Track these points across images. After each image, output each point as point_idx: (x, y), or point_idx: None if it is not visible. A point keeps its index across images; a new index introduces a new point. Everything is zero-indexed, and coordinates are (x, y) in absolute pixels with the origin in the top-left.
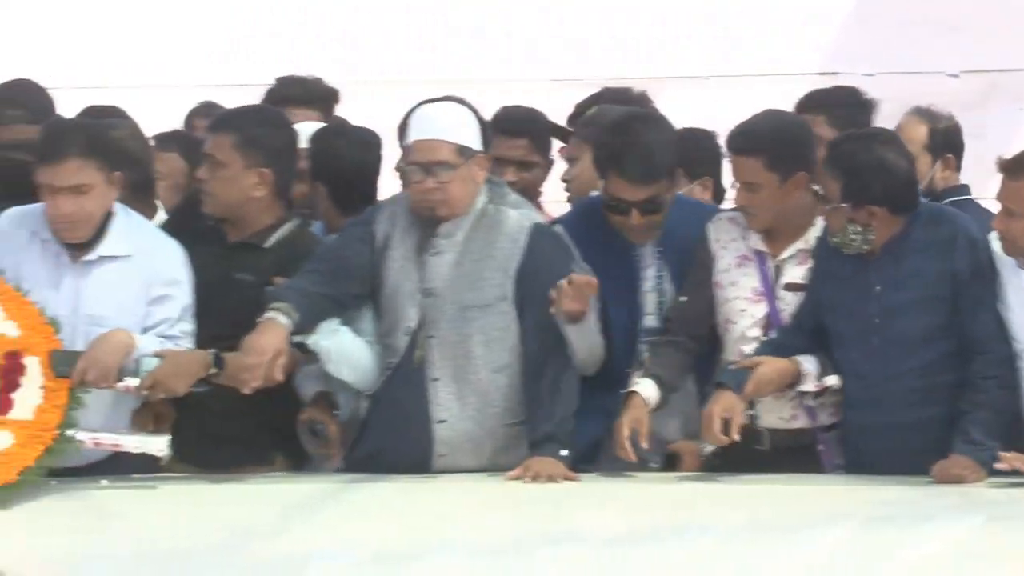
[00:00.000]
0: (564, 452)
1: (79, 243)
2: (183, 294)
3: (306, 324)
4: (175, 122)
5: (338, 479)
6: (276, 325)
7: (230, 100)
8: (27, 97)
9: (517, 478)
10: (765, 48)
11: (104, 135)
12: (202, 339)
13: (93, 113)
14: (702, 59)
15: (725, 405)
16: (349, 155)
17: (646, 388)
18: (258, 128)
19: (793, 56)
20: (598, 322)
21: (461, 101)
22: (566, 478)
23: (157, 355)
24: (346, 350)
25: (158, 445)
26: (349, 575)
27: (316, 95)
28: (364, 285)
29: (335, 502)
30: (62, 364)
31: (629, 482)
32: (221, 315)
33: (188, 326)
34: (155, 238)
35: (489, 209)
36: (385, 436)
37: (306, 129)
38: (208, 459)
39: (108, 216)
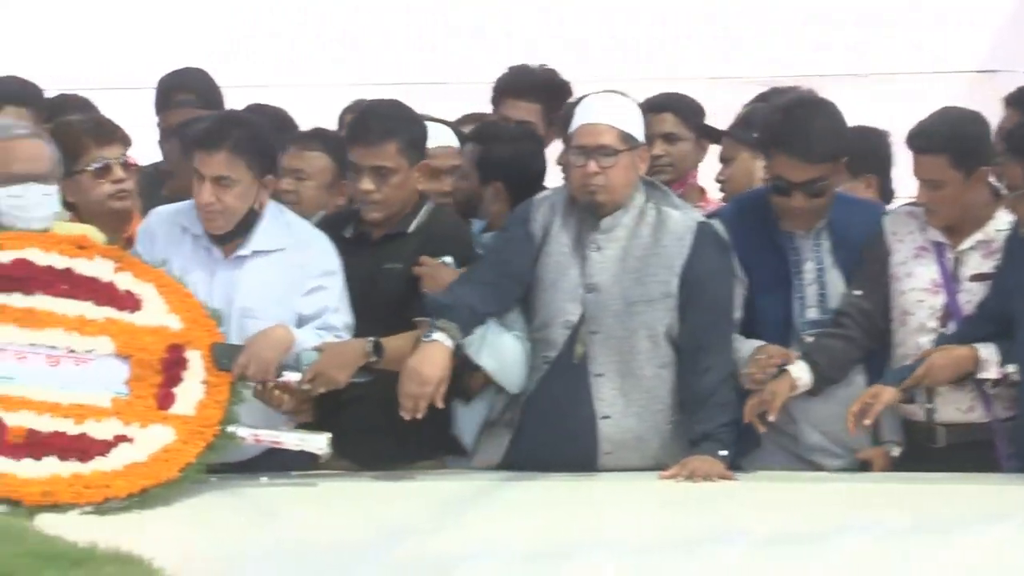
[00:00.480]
0: (723, 452)
1: (231, 238)
2: (337, 285)
3: (465, 334)
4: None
5: (492, 476)
6: (440, 349)
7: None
8: (196, 83)
9: (673, 476)
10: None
11: (263, 135)
12: (358, 334)
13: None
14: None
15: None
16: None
17: (798, 370)
18: (414, 127)
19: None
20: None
21: (624, 94)
22: (723, 477)
23: (316, 348)
24: (494, 344)
25: (318, 443)
26: (500, 574)
27: (541, 86)
28: (525, 287)
29: (488, 500)
30: (223, 358)
31: (787, 482)
32: (374, 307)
33: (346, 317)
34: (306, 232)
35: (649, 208)
36: (545, 433)
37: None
38: (369, 454)
39: (256, 212)
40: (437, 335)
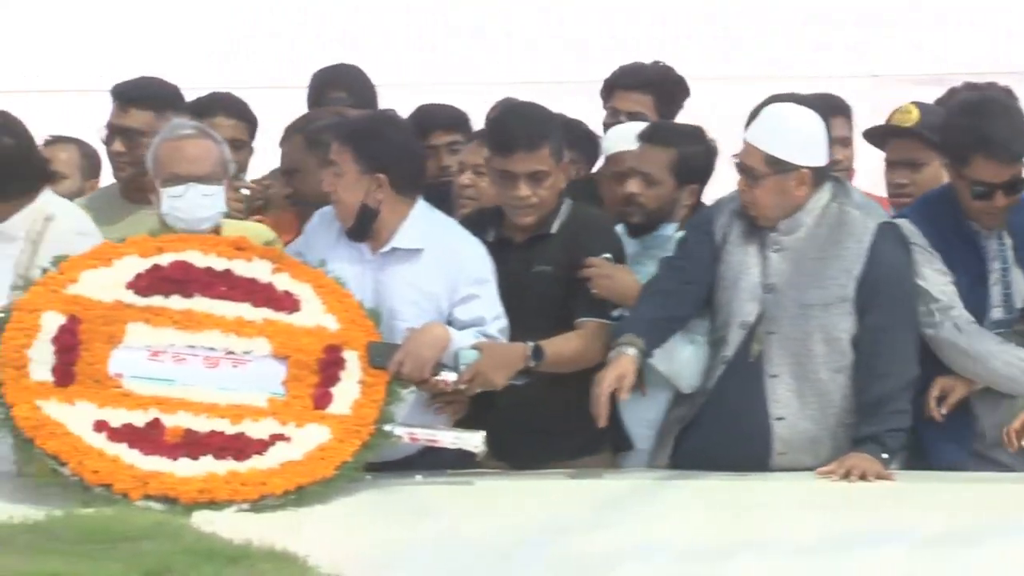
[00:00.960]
0: (885, 455)
1: (359, 237)
2: (492, 292)
3: (651, 347)
4: None
5: (651, 475)
6: (629, 360)
7: None
8: (350, 81)
9: (830, 473)
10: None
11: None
12: (511, 336)
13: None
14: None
15: None
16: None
17: None
18: (558, 127)
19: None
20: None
21: (813, 106)
22: (880, 477)
23: (475, 347)
24: (666, 345)
25: (474, 441)
26: (657, 573)
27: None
28: (707, 289)
29: (648, 498)
30: (379, 355)
31: (950, 482)
32: (525, 311)
33: (503, 322)
34: (457, 234)
35: (832, 208)
36: (718, 431)
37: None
38: (525, 454)
39: (372, 209)
40: (620, 348)
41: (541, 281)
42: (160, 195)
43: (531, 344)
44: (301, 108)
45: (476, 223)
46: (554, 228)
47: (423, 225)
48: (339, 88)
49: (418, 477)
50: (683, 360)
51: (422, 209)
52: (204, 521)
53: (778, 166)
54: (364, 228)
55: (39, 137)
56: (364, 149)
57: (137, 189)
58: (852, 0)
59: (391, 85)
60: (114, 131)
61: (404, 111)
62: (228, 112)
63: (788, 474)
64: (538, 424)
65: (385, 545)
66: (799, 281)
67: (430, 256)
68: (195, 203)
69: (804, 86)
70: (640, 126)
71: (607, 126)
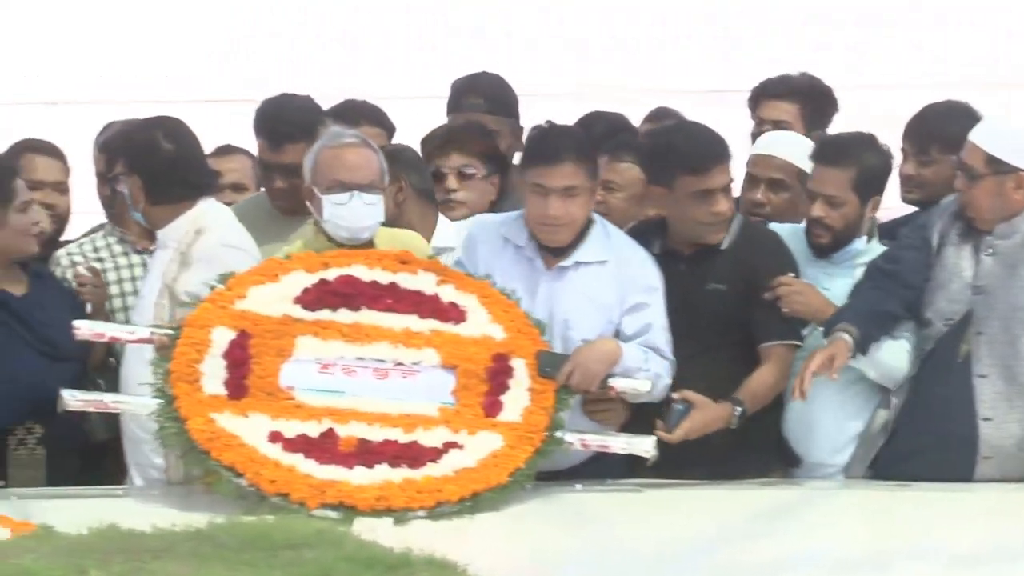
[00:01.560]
0: None
1: (554, 249)
2: (659, 301)
3: (867, 340)
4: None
5: (810, 486)
6: (840, 340)
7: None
8: (489, 87)
9: None
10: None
11: (590, 144)
12: (676, 353)
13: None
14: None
15: None
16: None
17: None
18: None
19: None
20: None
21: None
22: None
23: (686, 400)
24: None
25: (645, 446)
26: None
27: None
28: (918, 293)
29: (808, 509)
30: (548, 365)
31: None
32: (695, 328)
33: (667, 334)
34: (629, 246)
35: None
36: (922, 433)
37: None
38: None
39: (588, 223)
40: (843, 335)
41: (714, 299)
42: (321, 202)
43: (740, 409)
44: None
45: (641, 234)
46: (724, 244)
47: (603, 238)
48: (476, 95)
49: (577, 486)
50: (888, 362)
51: (598, 220)
52: (365, 529)
53: (998, 166)
54: (573, 243)
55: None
56: (593, 161)
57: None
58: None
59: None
60: (270, 167)
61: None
62: (370, 120)
63: (945, 484)
64: (709, 448)
65: (546, 554)
66: (1010, 284)
67: (604, 267)
68: (358, 212)
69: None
70: (795, 137)
71: (754, 136)
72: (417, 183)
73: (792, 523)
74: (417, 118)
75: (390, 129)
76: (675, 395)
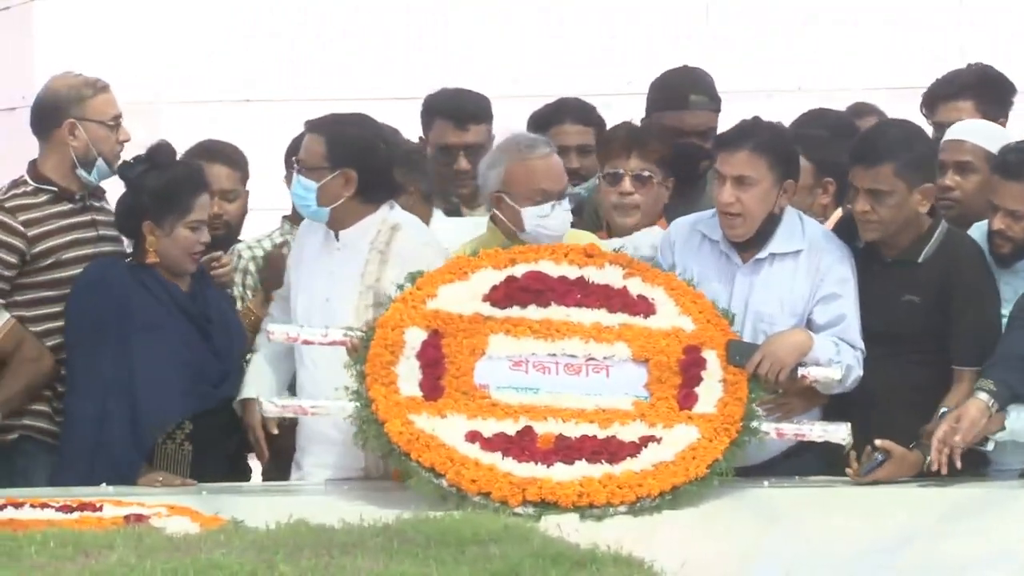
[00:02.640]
0: None
1: (752, 245)
2: (852, 293)
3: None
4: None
5: (999, 485)
6: (975, 401)
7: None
8: (708, 85)
9: None
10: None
11: (786, 140)
12: (871, 358)
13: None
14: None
15: None
16: None
17: None
18: (917, 147)
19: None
20: None
21: None
22: None
23: (885, 450)
24: None
25: (841, 434)
26: None
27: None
28: None
29: (996, 508)
30: (737, 354)
31: None
32: (893, 337)
33: (859, 325)
34: (825, 236)
35: None
36: None
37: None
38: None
39: (776, 216)
40: (980, 394)
41: (909, 310)
42: (520, 214)
43: (928, 460)
44: None
45: (846, 229)
46: (922, 256)
47: (797, 228)
48: (699, 92)
49: (764, 483)
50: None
51: (790, 212)
52: (551, 525)
53: None
54: (763, 237)
55: None
56: (781, 156)
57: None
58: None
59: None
60: (454, 149)
61: None
62: (575, 118)
63: None
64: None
65: (733, 551)
66: None
67: (798, 258)
68: (561, 219)
69: None
70: (989, 124)
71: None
72: (425, 188)
73: (981, 522)
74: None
75: (599, 125)
76: (878, 442)
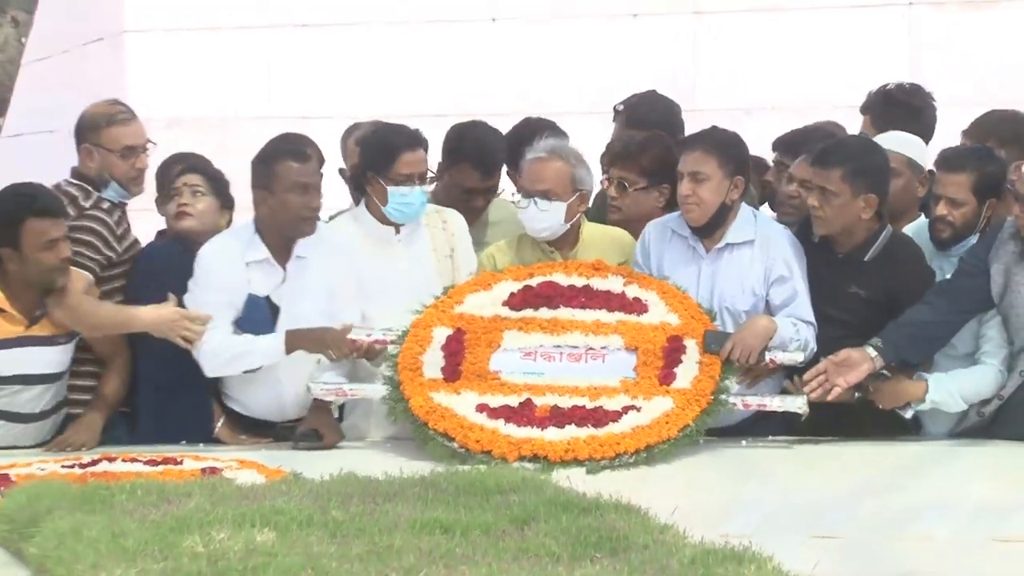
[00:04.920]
0: None
1: (708, 236)
2: (799, 273)
3: (894, 351)
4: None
5: (945, 443)
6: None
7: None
8: (660, 107)
9: None
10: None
11: (735, 142)
12: (822, 336)
13: None
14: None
15: None
16: None
17: None
18: (866, 160)
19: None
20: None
21: None
22: None
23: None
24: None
25: (798, 403)
26: (953, 525)
27: None
28: (968, 316)
29: (943, 463)
30: (712, 343)
31: None
32: (836, 320)
33: (808, 301)
34: (772, 226)
35: None
36: (1008, 434)
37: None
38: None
39: (728, 207)
40: (866, 347)
41: (854, 301)
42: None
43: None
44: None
45: (807, 226)
46: (868, 255)
47: (749, 221)
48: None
49: (743, 442)
50: (972, 381)
51: (745, 209)
52: (562, 478)
53: None
54: (715, 225)
55: None
56: (731, 156)
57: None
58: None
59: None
60: (477, 192)
61: None
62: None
63: None
64: (847, 414)
65: (716, 500)
66: None
67: (754, 246)
68: (533, 215)
69: None
70: (904, 135)
71: None
72: None
73: (929, 475)
74: None
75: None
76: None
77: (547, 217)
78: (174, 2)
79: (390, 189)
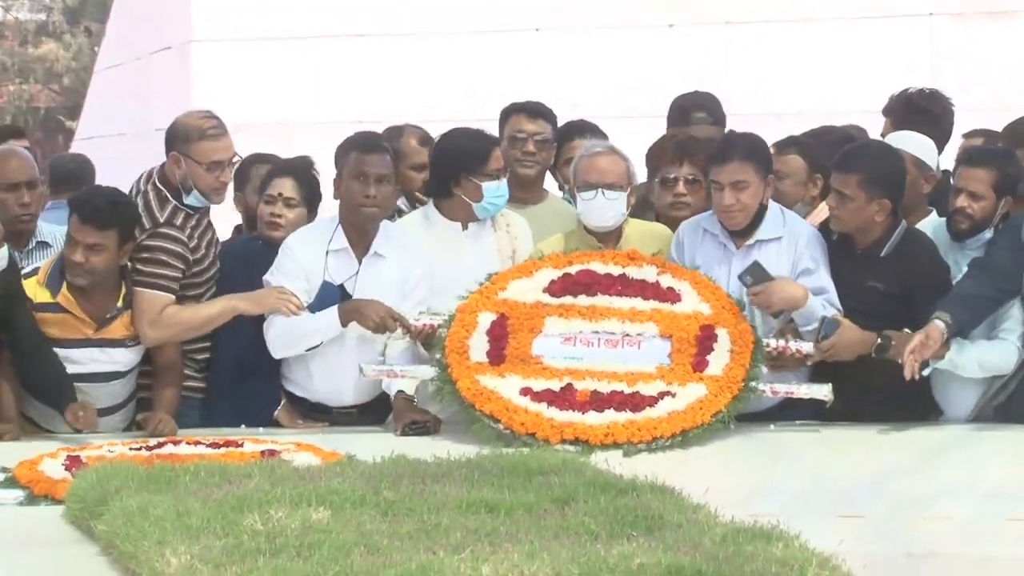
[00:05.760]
0: None
1: (739, 232)
2: (824, 268)
3: (960, 323)
4: None
5: (964, 428)
6: (931, 326)
7: None
8: (710, 102)
9: None
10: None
11: (763, 145)
12: None
13: None
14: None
15: None
16: None
17: None
18: (883, 167)
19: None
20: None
21: None
22: None
23: (835, 320)
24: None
25: (824, 391)
26: (971, 506)
27: None
28: (1009, 290)
29: (961, 447)
30: (749, 274)
31: None
32: (856, 312)
33: (835, 294)
34: (799, 223)
35: None
36: None
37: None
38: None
39: (764, 207)
40: (936, 321)
41: (872, 295)
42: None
43: (883, 335)
44: None
45: (826, 224)
46: (884, 251)
47: (778, 218)
48: (700, 109)
49: (772, 427)
50: (994, 353)
51: (773, 206)
52: (600, 460)
53: None
54: (752, 226)
55: None
56: (762, 159)
57: None
58: None
59: None
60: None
61: None
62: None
63: None
64: (872, 401)
65: (747, 482)
66: None
67: (782, 243)
68: (601, 205)
69: None
70: (915, 135)
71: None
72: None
73: (947, 459)
74: None
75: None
76: (827, 316)
77: (614, 206)
78: (239, 14)
79: (484, 184)
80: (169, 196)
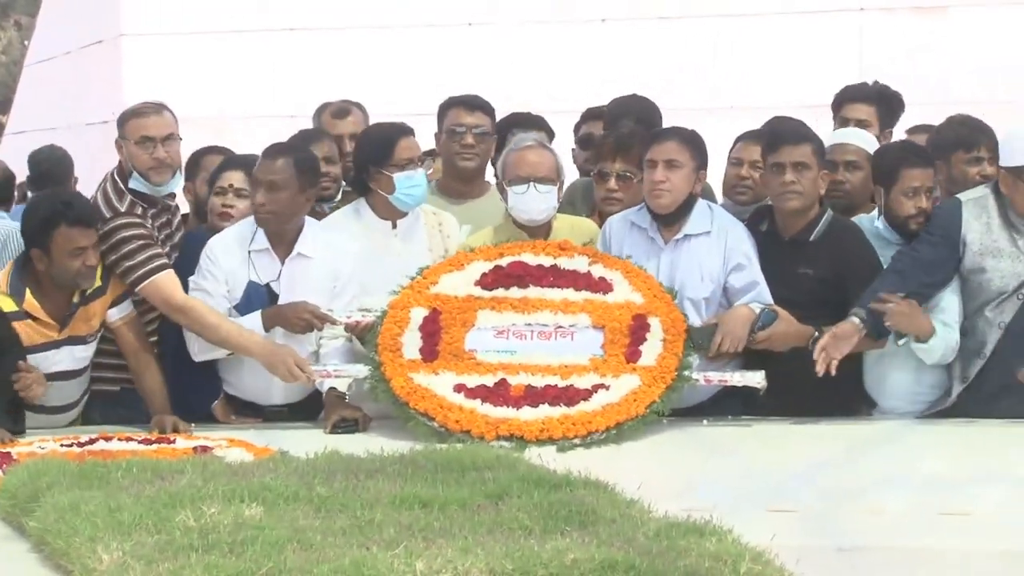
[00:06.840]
0: None
1: (669, 226)
2: (755, 263)
3: (877, 321)
4: None
5: (895, 422)
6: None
7: None
8: (641, 107)
9: None
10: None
11: (702, 140)
12: None
13: None
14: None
15: None
16: None
17: None
18: (817, 139)
19: None
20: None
21: None
22: None
23: (773, 310)
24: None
25: (756, 379)
26: (903, 499)
27: None
28: (935, 281)
29: (894, 440)
30: (700, 338)
31: None
32: (788, 302)
33: (767, 289)
34: (727, 219)
35: None
36: (998, 386)
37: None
38: (796, 405)
39: (692, 198)
40: (851, 318)
41: (805, 280)
42: (507, 193)
43: (816, 333)
44: None
45: (755, 217)
46: (813, 236)
47: (706, 213)
48: (630, 116)
49: (704, 422)
50: (938, 347)
51: (701, 203)
52: (534, 456)
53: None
54: (678, 215)
55: None
56: (698, 151)
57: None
58: None
59: None
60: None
61: None
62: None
63: (1016, 421)
64: (803, 394)
65: (680, 476)
66: None
67: (710, 237)
68: (533, 198)
69: None
70: (861, 131)
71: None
72: None
73: (882, 451)
74: None
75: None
76: (766, 307)
77: (546, 199)
78: (167, 8)
79: (395, 176)
80: (125, 189)
